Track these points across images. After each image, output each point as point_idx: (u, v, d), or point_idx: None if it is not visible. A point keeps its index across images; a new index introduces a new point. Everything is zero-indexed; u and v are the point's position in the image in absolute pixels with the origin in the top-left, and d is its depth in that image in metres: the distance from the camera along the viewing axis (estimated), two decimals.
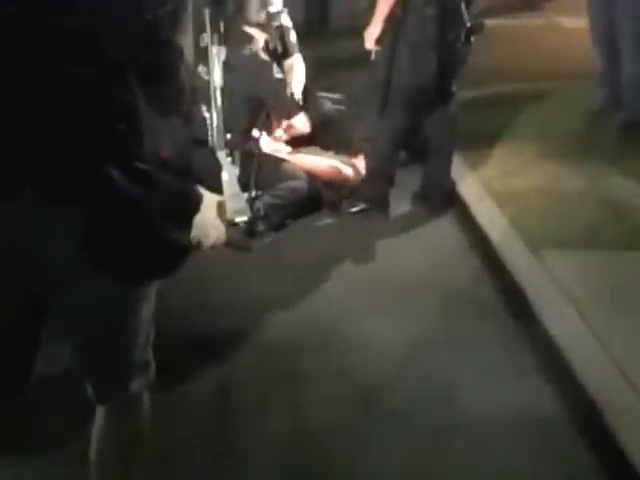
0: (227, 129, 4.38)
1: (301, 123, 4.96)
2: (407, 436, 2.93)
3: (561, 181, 4.79)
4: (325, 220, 4.71)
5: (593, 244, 4.05)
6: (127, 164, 1.85)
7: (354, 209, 4.74)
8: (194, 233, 2.10)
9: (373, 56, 4.52)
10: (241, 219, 4.34)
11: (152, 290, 2.06)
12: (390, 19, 4.37)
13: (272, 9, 4.97)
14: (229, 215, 4.31)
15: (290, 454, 2.86)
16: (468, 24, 4.41)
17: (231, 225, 4.32)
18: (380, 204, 4.75)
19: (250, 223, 4.38)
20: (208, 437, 2.93)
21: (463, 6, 4.38)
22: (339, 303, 3.81)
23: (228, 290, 3.91)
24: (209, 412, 3.06)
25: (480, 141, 5.35)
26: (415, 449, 2.88)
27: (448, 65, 4.49)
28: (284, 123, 4.97)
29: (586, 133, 5.45)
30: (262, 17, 4.87)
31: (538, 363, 3.30)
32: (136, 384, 2.13)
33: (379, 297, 3.86)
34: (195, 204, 2.03)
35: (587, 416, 2.93)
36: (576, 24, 7.10)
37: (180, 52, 1.95)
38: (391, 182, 4.78)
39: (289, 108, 4.93)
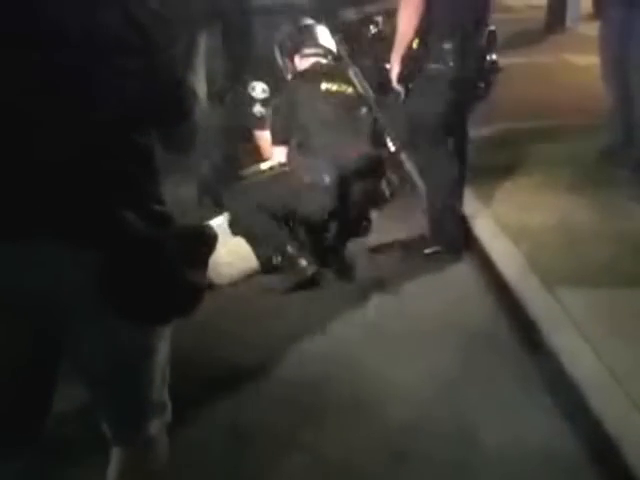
0: None
1: None
2: (425, 476, 2.91)
3: (575, 217, 4.78)
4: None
5: (608, 281, 4.03)
6: (142, 205, 1.86)
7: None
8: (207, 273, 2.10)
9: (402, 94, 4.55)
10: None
11: (168, 331, 2.07)
12: (408, 57, 4.40)
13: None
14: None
15: None
16: (491, 61, 4.43)
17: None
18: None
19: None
20: (224, 477, 2.91)
21: (483, 43, 4.40)
22: (355, 342, 3.80)
23: (241, 328, 3.91)
24: (224, 451, 3.04)
25: (493, 177, 5.35)
26: None
27: (465, 102, 4.50)
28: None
29: (598, 169, 5.44)
30: None
31: (555, 400, 3.28)
32: (153, 426, 2.13)
33: (394, 336, 3.84)
34: (211, 243, 2.03)
35: (604, 453, 2.91)
36: (586, 61, 7.13)
37: (193, 93, 1.97)
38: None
39: None
